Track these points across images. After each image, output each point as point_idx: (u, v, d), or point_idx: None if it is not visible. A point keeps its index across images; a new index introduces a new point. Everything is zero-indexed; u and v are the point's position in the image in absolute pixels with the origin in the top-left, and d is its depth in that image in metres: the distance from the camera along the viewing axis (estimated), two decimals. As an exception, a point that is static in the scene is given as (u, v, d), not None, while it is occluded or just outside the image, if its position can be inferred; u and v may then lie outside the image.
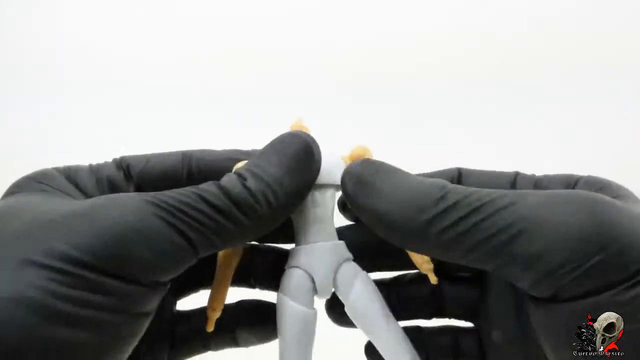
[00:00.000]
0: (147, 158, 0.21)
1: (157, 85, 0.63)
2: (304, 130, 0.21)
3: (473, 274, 0.23)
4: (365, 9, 0.61)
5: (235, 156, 0.21)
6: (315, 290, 0.20)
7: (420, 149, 0.54)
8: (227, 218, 0.17)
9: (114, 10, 0.63)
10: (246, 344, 0.23)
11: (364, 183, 0.18)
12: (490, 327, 0.22)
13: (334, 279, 0.20)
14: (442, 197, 0.16)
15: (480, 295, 0.23)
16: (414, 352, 0.20)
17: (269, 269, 0.23)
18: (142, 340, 0.17)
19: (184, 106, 0.63)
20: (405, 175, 0.18)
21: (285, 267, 0.20)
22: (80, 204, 0.16)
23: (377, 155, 0.22)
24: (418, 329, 0.23)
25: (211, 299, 0.22)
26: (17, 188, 0.19)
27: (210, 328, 0.21)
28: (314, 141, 0.19)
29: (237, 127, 0.61)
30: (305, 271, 0.20)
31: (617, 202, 0.15)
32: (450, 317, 0.24)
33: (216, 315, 0.21)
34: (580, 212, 0.15)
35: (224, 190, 0.17)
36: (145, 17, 0.63)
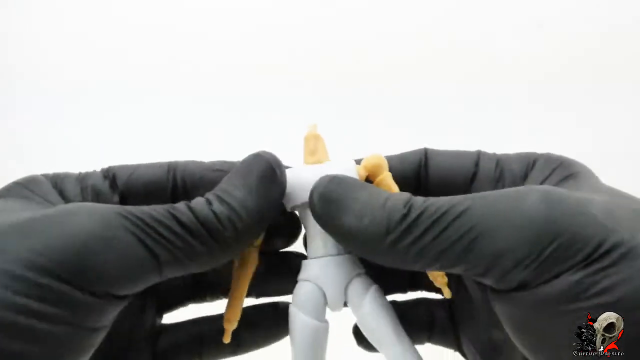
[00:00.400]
0: (133, 168, 0.21)
1: (159, 86, 0.63)
2: (317, 137, 0.21)
3: None
4: (365, 9, 0.61)
5: (219, 167, 0.21)
6: (326, 304, 0.20)
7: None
8: (195, 238, 0.17)
9: (113, 11, 0.63)
10: (247, 346, 0.23)
11: (333, 201, 0.18)
12: (464, 299, 0.22)
13: (346, 293, 0.20)
14: (407, 214, 0.16)
15: None
16: None
17: (264, 275, 0.23)
18: (120, 354, 0.18)
19: (185, 108, 0.63)
20: (372, 191, 0.18)
21: (298, 279, 0.20)
22: (48, 209, 0.16)
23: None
24: (394, 303, 0.23)
25: (227, 310, 0.21)
26: (6, 192, 0.19)
27: (227, 340, 0.21)
28: (276, 162, 0.19)
29: (238, 128, 0.61)
30: (317, 285, 0.20)
31: (566, 192, 0.16)
32: (423, 289, 0.24)
33: (232, 326, 0.21)
34: (532, 207, 0.16)
35: (193, 211, 0.17)
36: (145, 18, 0.63)
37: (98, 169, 0.22)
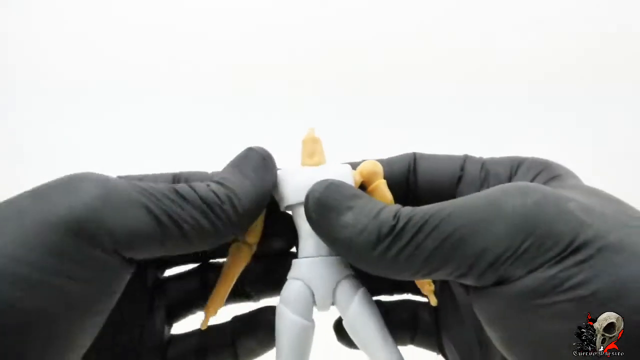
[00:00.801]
0: (138, 178, 0.22)
1: (159, 86, 0.63)
2: (316, 140, 0.22)
3: None
4: (365, 9, 0.61)
5: None
6: (314, 303, 0.20)
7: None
8: (196, 209, 0.18)
9: (113, 11, 0.63)
10: (247, 354, 0.23)
11: (328, 208, 0.18)
12: (448, 302, 0.23)
13: (334, 293, 0.20)
14: (395, 224, 0.17)
15: None
16: None
17: (263, 275, 0.24)
18: None
19: (185, 107, 0.63)
20: (367, 202, 0.19)
21: (287, 277, 0.21)
22: (58, 178, 0.18)
23: (374, 156, 0.23)
24: (379, 302, 0.24)
25: (210, 300, 0.22)
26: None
27: (204, 327, 0.22)
28: (267, 154, 0.21)
29: (238, 128, 0.61)
30: (306, 284, 0.20)
31: (547, 188, 0.17)
32: (409, 292, 0.25)
33: (211, 314, 0.22)
34: (510, 205, 0.16)
35: (194, 188, 0.18)
36: (145, 18, 0.63)
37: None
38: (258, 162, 0.20)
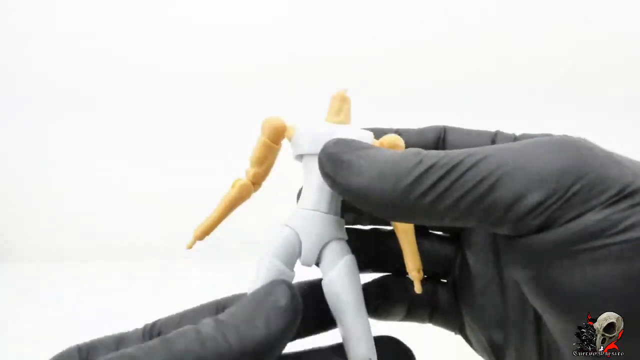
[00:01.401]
0: (179, 317, 0.20)
1: (158, 87, 0.63)
2: (345, 99, 0.21)
3: (450, 233, 0.23)
4: (370, 9, 0.61)
5: None
6: (299, 256, 0.20)
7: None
8: None
9: (114, 14, 0.63)
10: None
11: (341, 161, 0.17)
12: (468, 282, 0.22)
13: (321, 251, 0.20)
14: (419, 163, 0.16)
15: (457, 251, 0.23)
16: (374, 351, 0.19)
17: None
18: None
19: (184, 110, 0.63)
20: (380, 149, 0.18)
21: (282, 223, 0.20)
22: None
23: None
24: (401, 280, 0.23)
25: (202, 224, 0.21)
26: None
27: (189, 247, 0.21)
28: (296, 297, 0.17)
29: (237, 131, 0.61)
30: (297, 234, 0.20)
31: (589, 141, 0.16)
32: (425, 273, 0.24)
33: (198, 239, 0.21)
34: (555, 150, 0.15)
35: (170, 342, 0.15)
36: (146, 21, 0.63)
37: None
38: (278, 305, 0.16)
